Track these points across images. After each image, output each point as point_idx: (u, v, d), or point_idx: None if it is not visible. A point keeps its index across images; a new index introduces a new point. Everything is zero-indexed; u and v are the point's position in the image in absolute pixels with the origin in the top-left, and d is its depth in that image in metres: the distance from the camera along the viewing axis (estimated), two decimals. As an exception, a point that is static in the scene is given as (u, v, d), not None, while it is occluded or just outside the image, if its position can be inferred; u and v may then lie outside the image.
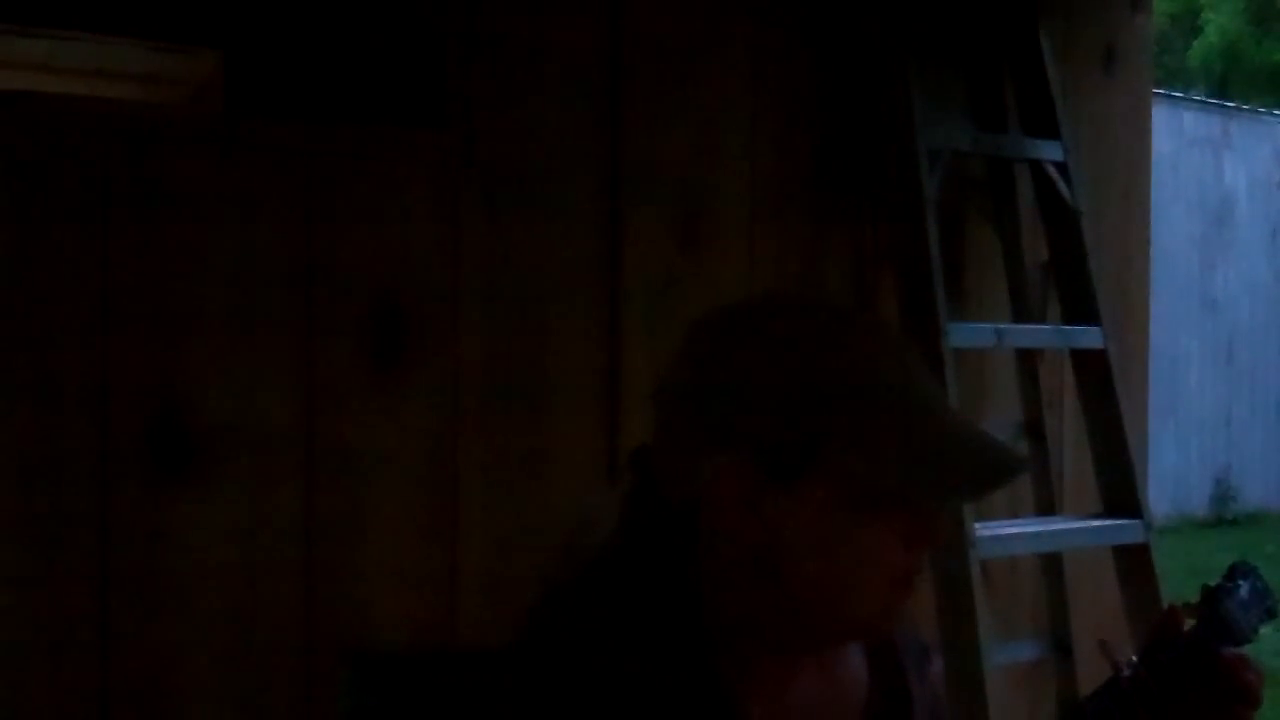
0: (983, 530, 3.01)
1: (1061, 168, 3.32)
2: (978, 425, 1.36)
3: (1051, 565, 3.41)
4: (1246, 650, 1.45)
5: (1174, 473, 11.09)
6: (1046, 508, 3.39)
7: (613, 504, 1.38)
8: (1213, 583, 1.49)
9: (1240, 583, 1.49)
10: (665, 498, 1.33)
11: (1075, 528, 3.30)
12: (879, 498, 1.29)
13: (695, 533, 1.32)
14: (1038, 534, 3.29)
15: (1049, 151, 3.32)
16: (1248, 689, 1.42)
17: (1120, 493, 3.31)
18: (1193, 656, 1.43)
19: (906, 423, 1.28)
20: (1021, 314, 3.39)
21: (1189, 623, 1.46)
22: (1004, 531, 3.14)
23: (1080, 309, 3.32)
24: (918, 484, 1.30)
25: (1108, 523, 3.29)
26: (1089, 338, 3.30)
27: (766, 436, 1.28)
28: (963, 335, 3.08)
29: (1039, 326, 3.41)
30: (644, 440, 1.39)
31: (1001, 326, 3.28)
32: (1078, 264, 3.33)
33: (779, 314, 1.34)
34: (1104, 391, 3.31)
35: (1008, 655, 3.26)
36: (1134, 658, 1.45)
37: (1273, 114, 13.05)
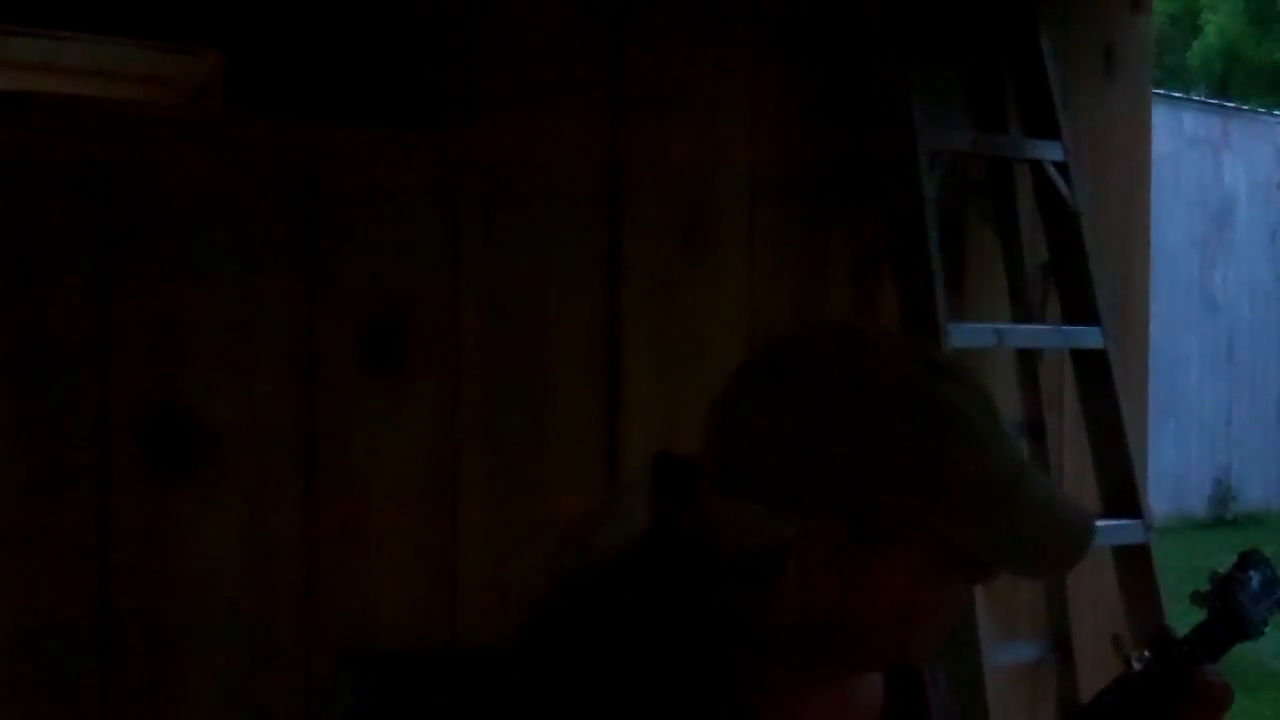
0: (983, 530, 3.00)
1: (1061, 168, 3.32)
2: (1052, 482, 1.35)
3: (1051, 565, 3.41)
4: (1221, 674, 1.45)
5: (1174, 473, 11.08)
6: (1047, 508, 3.38)
7: (633, 506, 1.35)
8: (1223, 570, 1.49)
9: (1252, 573, 1.49)
10: (707, 529, 1.29)
11: (1075, 528, 3.30)
12: (970, 566, 1.27)
13: (746, 564, 1.28)
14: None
15: (1049, 151, 3.32)
16: (1210, 698, 1.42)
17: (1120, 493, 3.31)
18: (1204, 648, 1.43)
19: (1004, 494, 1.26)
20: (1021, 314, 3.39)
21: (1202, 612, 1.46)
22: (1004, 531, 3.13)
23: (1080, 309, 3.32)
24: (1013, 559, 1.28)
25: (1108, 523, 3.28)
26: (1089, 338, 3.30)
27: (874, 506, 1.24)
28: (963, 335, 3.08)
29: (1039, 326, 3.41)
30: (663, 449, 1.36)
31: (1001, 326, 3.28)
32: (1078, 264, 3.33)
33: (882, 366, 1.27)
34: (1104, 391, 3.31)
35: (1008, 655, 3.26)
36: (1145, 653, 1.45)
37: (1273, 114, 13.04)
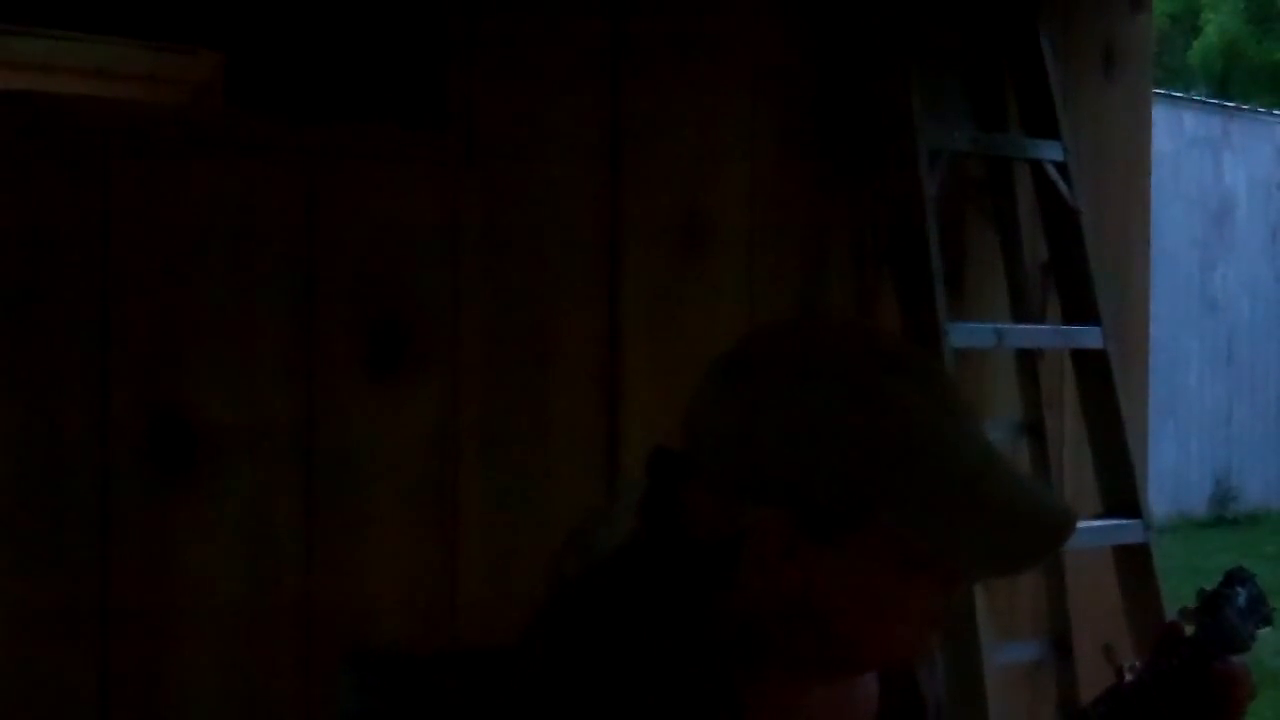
0: (983, 530, 3.00)
1: (1061, 168, 3.32)
2: (1028, 479, 1.34)
3: (1051, 565, 3.41)
4: (1244, 659, 1.46)
5: (1174, 473, 11.08)
6: (1047, 508, 3.38)
7: (628, 504, 1.36)
8: (1209, 587, 1.50)
9: (1239, 589, 1.50)
10: (688, 528, 1.30)
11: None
12: (928, 561, 1.27)
13: (714, 555, 1.29)
14: (1037, 534, 3.28)
15: (1049, 151, 3.32)
16: (1233, 699, 1.43)
17: (1120, 493, 3.31)
18: (1195, 662, 1.45)
19: (961, 489, 1.25)
20: (1021, 314, 3.39)
21: (1189, 628, 1.47)
22: (1004, 531, 3.13)
23: (1080, 309, 3.32)
24: (972, 554, 1.28)
25: (1108, 523, 3.29)
26: (1089, 338, 3.30)
27: (817, 497, 1.24)
28: (963, 335, 3.08)
29: (1039, 326, 3.41)
30: (660, 444, 1.37)
31: (1001, 326, 3.28)
32: (1078, 264, 3.33)
33: (832, 360, 1.28)
34: (1104, 391, 3.31)
35: (1008, 655, 3.26)
36: (1136, 663, 1.46)
37: (1273, 114, 13.04)
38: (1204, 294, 11.84)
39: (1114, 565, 3.32)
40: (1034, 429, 3.42)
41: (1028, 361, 3.44)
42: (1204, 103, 12.90)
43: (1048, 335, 3.38)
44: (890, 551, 1.25)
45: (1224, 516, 11.55)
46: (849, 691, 1.39)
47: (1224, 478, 11.82)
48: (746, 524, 1.26)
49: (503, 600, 2.68)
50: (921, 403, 1.26)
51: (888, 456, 1.24)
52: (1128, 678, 1.45)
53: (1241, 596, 1.50)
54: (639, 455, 1.38)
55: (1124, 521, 3.29)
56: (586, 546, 1.37)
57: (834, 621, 1.27)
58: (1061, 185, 3.32)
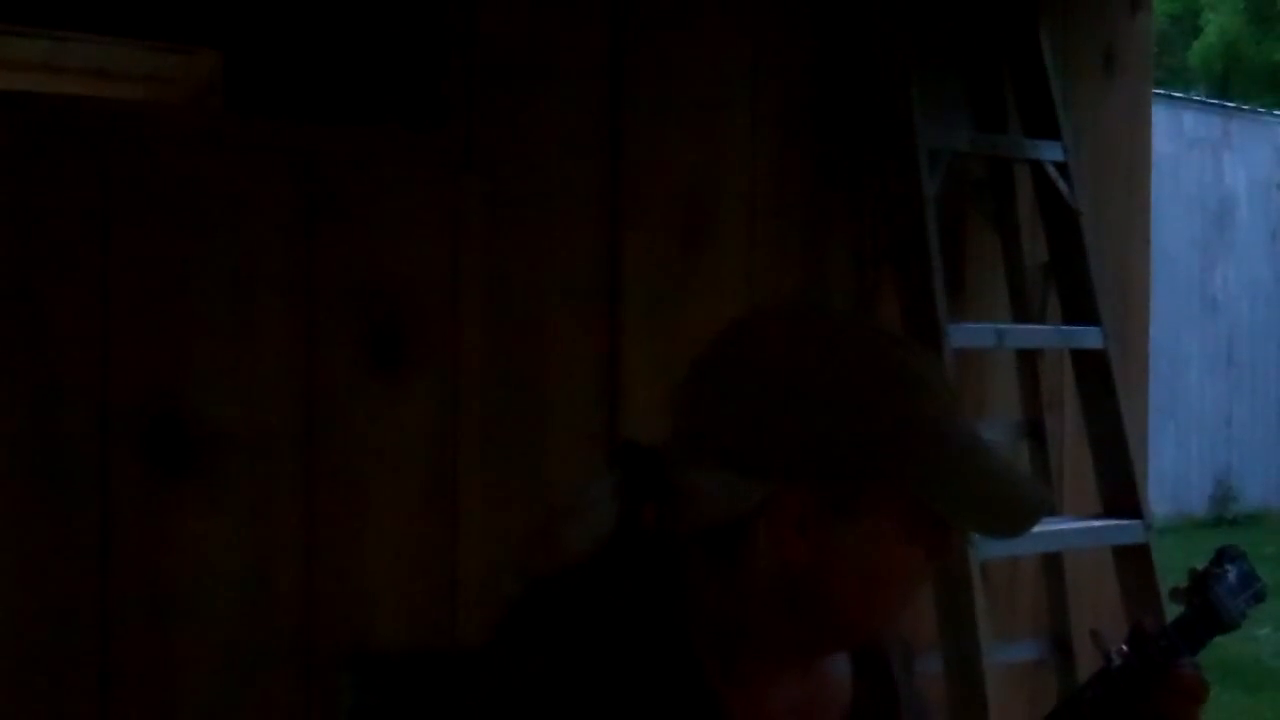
0: (983, 530, 3.00)
1: (1061, 168, 3.32)
2: (1007, 456, 1.38)
3: (1051, 565, 3.41)
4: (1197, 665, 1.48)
5: (1174, 473, 11.08)
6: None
7: (600, 498, 1.36)
8: (1200, 566, 1.51)
9: (1228, 568, 1.51)
10: (675, 508, 1.30)
11: (1075, 528, 3.30)
12: (929, 529, 1.29)
13: (717, 537, 1.29)
14: (1038, 534, 3.27)
15: (1049, 151, 3.32)
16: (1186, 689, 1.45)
17: (1120, 493, 3.31)
18: (1184, 643, 1.46)
19: (967, 457, 1.29)
20: (1021, 314, 3.39)
21: (1178, 609, 1.48)
22: (1004, 531, 3.13)
23: (1080, 309, 3.32)
24: (977, 519, 1.31)
25: (1108, 523, 3.29)
26: (1089, 338, 3.30)
27: (840, 468, 1.25)
28: (963, 335, 3.08)
29: (1039, 326, 3.41)
30: (634, 438, 1.37)
31: (1001, 326, 3.28)
32: (1078, 264, 3.33)
33: (846, 336, 1.31)
34: (1104, 391, 3.31)
35: (1008, 655, 3.26)
36: (1124, 647, 1.47)
37: (1273, 114, 13.04)
38: (1204, 294, 11.84)
39: (1114, 565, 3.32)
40: (1034, 429, 3.42)
41: (1028, 361, 3.44)
42: (1204, 103, 12.90)
43: (1048, 335, 3.38)
44: (900, 520, 1.27)
45: (1224, 516, 11.55)
46: (823, 684, 1.39)
47: (1224, 478, 11.82)
48: (761, 501, 1.26)
49: (502, 600, 2.68)
50: (930, 375, 1.30)
51: (911, 424, 1.26)
52: (1116, 662, 1.47)
53: (1232, 574, 1.51)
54: (639, 454, 1.38)
55: (1124, 521, 3.29)
56: (555, 545, 1.36)
57: (831, 596, 1.28)
58: (1061, 185, 3.32)
